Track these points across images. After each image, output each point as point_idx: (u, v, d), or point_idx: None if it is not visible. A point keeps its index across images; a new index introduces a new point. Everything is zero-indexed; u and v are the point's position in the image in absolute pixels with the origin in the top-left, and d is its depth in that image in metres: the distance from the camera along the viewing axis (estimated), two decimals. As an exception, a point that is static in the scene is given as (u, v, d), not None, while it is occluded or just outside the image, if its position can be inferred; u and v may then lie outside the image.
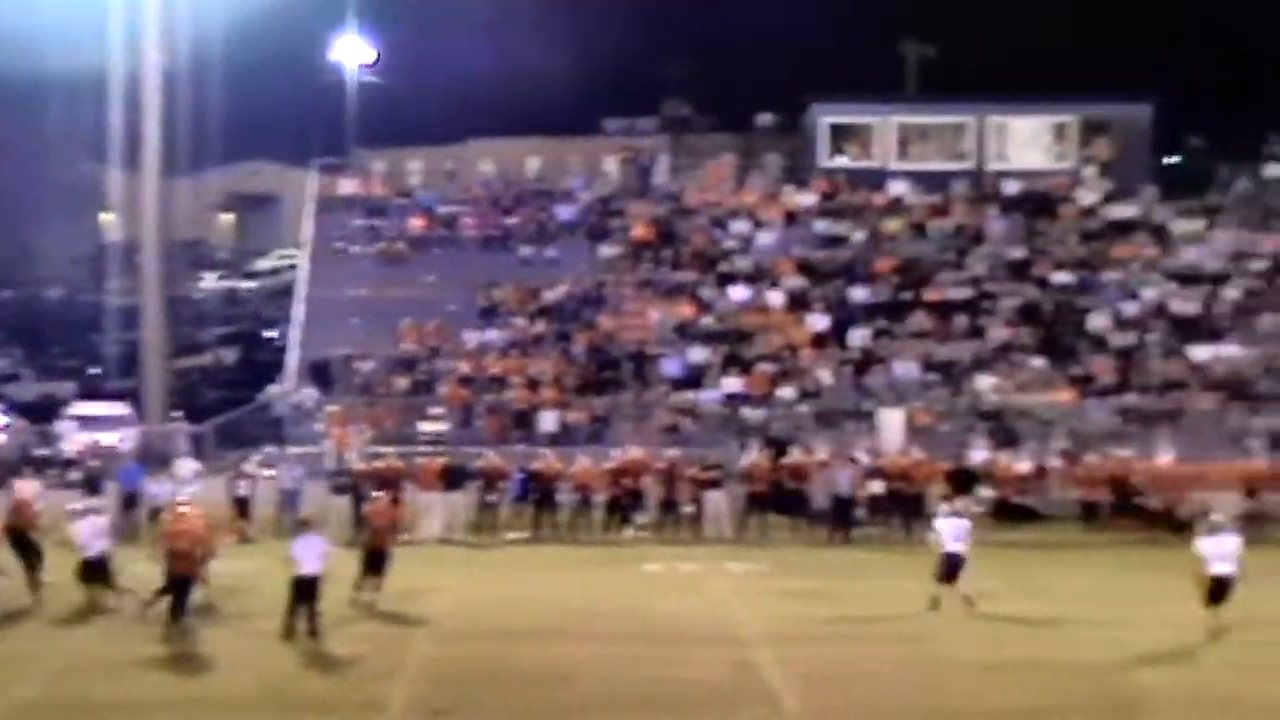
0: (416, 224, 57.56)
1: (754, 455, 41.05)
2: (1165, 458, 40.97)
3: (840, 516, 38.64)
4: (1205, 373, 48.49)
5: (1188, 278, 52.94)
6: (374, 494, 32.44)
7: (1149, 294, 52.12)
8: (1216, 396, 47.31)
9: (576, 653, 25.58)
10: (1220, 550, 27.15)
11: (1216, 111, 64.07)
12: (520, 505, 39.35)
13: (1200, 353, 49.33)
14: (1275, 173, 59.67)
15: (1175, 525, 36.52)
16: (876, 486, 39.32)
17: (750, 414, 47.10)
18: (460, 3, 73.66)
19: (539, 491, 39.12)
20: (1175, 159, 66.99)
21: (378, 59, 73.07)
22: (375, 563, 29.12)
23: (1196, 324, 50.86)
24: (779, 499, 39.44)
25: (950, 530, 29.40)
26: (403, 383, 48.92)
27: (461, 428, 46.62)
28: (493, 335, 51.36)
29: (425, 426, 46.38)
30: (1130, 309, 51.55)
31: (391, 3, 69.13)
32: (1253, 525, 33.90)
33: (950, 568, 28.98)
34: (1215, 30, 70.11)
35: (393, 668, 24.60)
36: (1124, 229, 55.88)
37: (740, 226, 56.56)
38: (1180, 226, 55.74)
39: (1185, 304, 51.55)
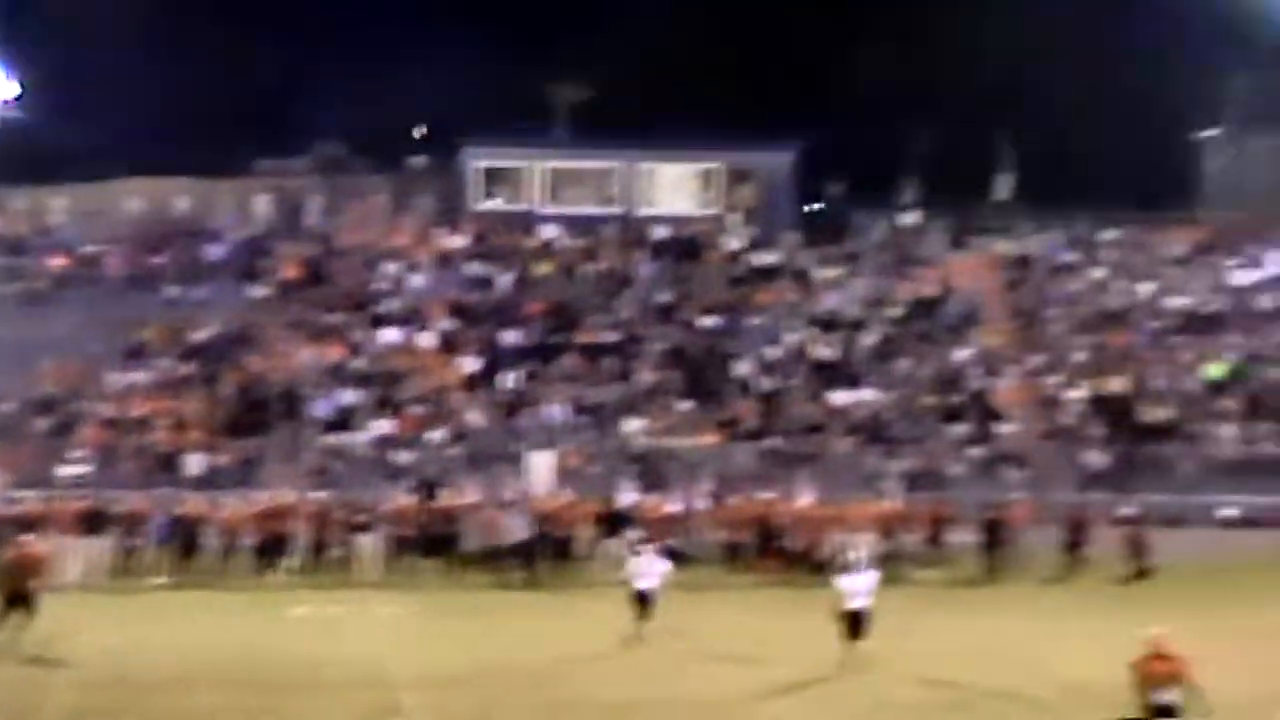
0: (58, 263, 56.12)
1: (403, 497, 41.13)
2: (805, 499, 41.74)
3: (515, 558, 38.86)
4: (844, 416, 49.85)
5: (828, 323, 54.32)
6: (16, 538, 31.62)
7: (791, 338, 53.38)
8: (854, 439, 48.70)
9: (214, 700, 25.21)
10: (856, 586, 28.15)
11: (854, 160, 65.80)
12: (164, 549, 38.73)
13: (840, 396, 50.67)
14: (909, 220, 61.86)
15: (814, 565, 37.50)
16: (526, 528, 39.66)
17: (401, 456, 47.04)
18: (108, 40, 71.93)
19: (184, 535, 38.56)
20: (816, 206, 68.66)
21: (20, 95, 70.99)
22: (16, 607, 28.43)
23: (836, 368, 52.24)
24: (429, 541, 39.55)
25: (641, 567, 30.08)
26: (43, 424, 47.65)
27: (104, 470, 45.58)
28: (138, 376, 50.30)
29: (66, 469, 45.21)
30: (773, 353, 52.69)
31: (36, 38, 67.16)
32: (888, 564, 34.81)
33: (643, 604, 29.64)
34: (849, 80, 72.14)
35: (24, 716, 23.98)
36: (767, 274, 57.10)
37: (392, 268, 56.39)
38: (821, 272, 57.18)
39: (826, 349, 52.93)
